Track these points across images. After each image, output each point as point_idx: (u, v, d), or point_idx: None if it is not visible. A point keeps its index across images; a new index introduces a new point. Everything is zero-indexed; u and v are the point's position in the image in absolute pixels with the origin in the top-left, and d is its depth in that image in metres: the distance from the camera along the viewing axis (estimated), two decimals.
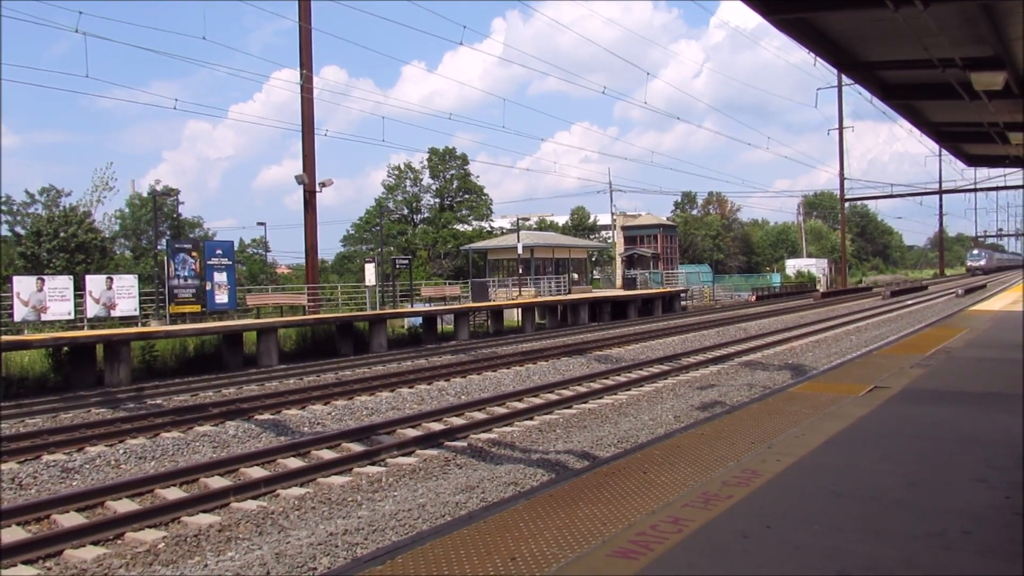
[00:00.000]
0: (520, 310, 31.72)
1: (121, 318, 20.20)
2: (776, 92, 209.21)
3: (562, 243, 45.10)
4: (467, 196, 60.19)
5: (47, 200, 38.83)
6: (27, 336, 17.53)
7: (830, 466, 4.75)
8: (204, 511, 7.75)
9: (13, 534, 7.15)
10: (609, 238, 62.82)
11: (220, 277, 22.66)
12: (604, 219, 68.38)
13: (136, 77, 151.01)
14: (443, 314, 28.42)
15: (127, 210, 46.95)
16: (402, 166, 60.29)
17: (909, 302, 41.15)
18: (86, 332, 18.27)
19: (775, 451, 5.11)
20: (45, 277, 19.54)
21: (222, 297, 22.68)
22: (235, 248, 28.85)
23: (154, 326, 20.43)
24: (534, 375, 16.95)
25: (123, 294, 20.15)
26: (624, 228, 52.19)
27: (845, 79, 47.71)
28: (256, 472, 9.13)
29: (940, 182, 66.45)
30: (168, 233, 42.73)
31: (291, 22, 25.52)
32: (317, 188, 25.96)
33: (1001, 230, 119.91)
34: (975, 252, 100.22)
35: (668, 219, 60.49)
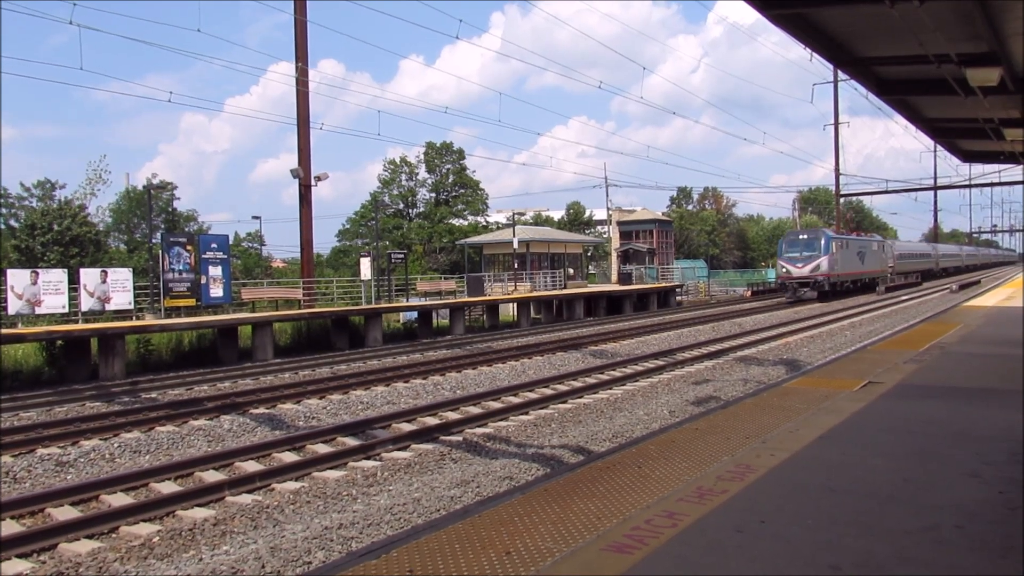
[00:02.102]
0: (515, 305, 31.73)
1: (116, 312, 20.13)
2: (773, 88, 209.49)
3: (558, 238, 45.08)
4: (463, 191, 60.04)
5: (42, 193, 38.63)
6: (21, 329, 17.45)
7: (824, 461, 4.76)
8: (199, 505, 7.75)
9: (8, 528, 7.14)
10: (605, 233, 62.85)
11: (215, 271, 22.60)
12: (600, 214, 68.41)
13: (131, 70, 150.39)
14: (438, 309, 28.42)
15: (120, 203, 46.70)
16: (398, 160, 60.13)
17: (904, 298, 41.26)
18: (80, 326, 18.22)
19: (769, 446, 5.13)
20: (39, 270, 19.45)
21: (217, 291, 22.63)
22: (230, 242, 28.73)
23: (149, 320, 20.38)
24: (529, 370, 16.96)
25: (118, 288, 20.09)
26: (620, 223, 52.16)
27: (841, 75, 47.69)
28: (251, 466, 9.13)
29: (935, 178, 66.46)
30: (163, 227, 42.57)
31: (288, 15, 25.47)
32: (313, 182, 25.91)
33: (996, 226, 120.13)
34: (802, 237, 42.15)
35: (664, 214, 60.47)
